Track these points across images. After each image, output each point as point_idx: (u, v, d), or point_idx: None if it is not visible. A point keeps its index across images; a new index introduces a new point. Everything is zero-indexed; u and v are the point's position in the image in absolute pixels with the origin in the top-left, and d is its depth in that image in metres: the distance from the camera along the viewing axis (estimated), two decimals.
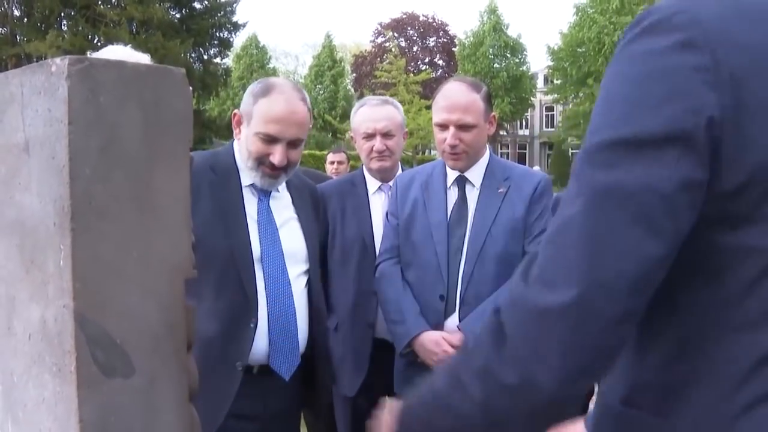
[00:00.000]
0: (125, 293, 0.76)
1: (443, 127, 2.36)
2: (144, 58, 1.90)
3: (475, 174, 2.40)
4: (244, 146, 2.09)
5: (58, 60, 0.73)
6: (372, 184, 2.83)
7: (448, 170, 2.44)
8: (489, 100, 2.42)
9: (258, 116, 2.04)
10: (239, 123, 2.12)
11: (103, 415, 0.75)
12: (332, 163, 5.64)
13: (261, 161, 2.05)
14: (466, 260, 2.30)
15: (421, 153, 28.75)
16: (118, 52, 1.92)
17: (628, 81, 0.87)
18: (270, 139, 2.03)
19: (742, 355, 0.84)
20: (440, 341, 2.25)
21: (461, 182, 2.41)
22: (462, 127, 2.33)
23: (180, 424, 0.83)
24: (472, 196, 2.39)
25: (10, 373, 0.86)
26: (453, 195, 2.41)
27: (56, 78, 0.72)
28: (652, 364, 0.92)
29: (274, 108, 2.03)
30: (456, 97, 2.36)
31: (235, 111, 2.16)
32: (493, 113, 2.44)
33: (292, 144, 2.06)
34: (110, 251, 0.75)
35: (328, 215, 2.76)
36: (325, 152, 13.18)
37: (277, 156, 2.02)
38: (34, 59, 22.59)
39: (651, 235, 0.81)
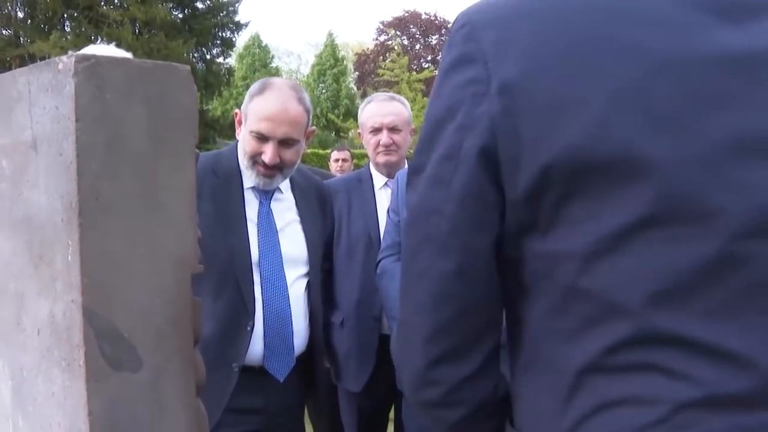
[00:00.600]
0: (132, 288, 0.77)
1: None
2: (126, 56, 1.91)
3: None
4: (241, 145, 2.11)
5: (64, 58, 0.73)
6: (378, 180, 2.84)
7: None
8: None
9: (252, 114, 2.06)
10: (240, 122, 2.13)
11: (112, 408, 0.76)
12: (336, 160, 5.66)
13: (255, 160, 2.06)
14: None
15: None
16: (103, 51, 1.92)
17: (431, 100, 0.92)
18: (261, 137, 2.03)
19: (566, 366, 0.82)
20: None
21: None
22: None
23: (187, 418, 0.84)
24: None
25: (19, 368, 0.87)
26: None
27: (63, 75, 0.73)
28: (511, 376, 0.95)
29: (266, 106, 2.04)
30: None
31: (237, 110, 2.17)
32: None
33: (285, 143, 2.05)
34: (117, 246, 0.76)
35: (334, 211, 2.77)
36: (328, 151, 13.20)
37: (268, 154, 2.03)
38: (38, 60, 22.65)
39: (441, 253, 0.86)
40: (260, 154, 2.04)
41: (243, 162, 2.10)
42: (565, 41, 0.81)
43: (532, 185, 0.81)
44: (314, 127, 2.26)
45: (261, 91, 2.09)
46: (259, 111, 2.05)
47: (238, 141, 2.19)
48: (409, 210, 0.92)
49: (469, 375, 0.91)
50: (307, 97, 2.15)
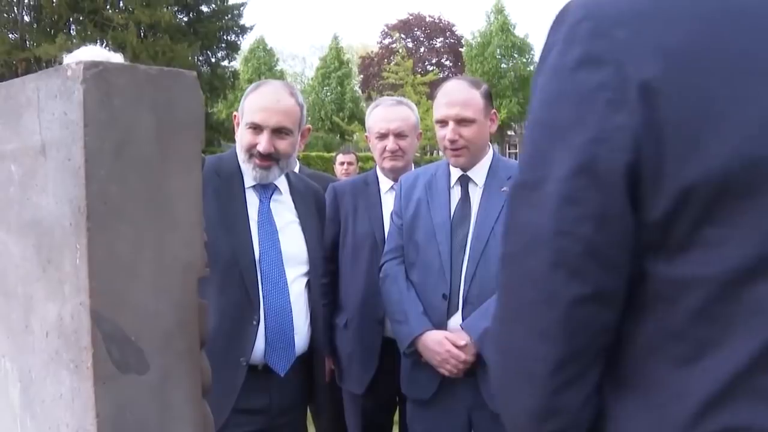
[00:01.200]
0: (140, 291, 0.78)
1: (443, 123, 2.37)
2: (116, 57, 1.94)
3: (479, 173, 2.41)
4: (239, 143, 2.18)
5: (73, 64, 0.75)
6: (384, 183, 2.86)
7: (452, 170, 2.44)
8: (489, 97, 2.43)
9: (247, 109, 2.15)
10: (238, 123, 2.22)
11: (119, 410, 0.77)
12: (342, 164, 5.66)
13: (251, 153, 2.12)
14: (470, 259, 2.30)
15: (429, 153, 28.74)
16: (91, 53, 1.95)
17: (544, 104, 0.82)
18: (256, 127, 2.11)
19: (686, 391, 0.76)
20: (443, 341, 2.25)
21: (464, 181, 2.41)
22: (461, 121, 2.34)
23: (193, 420, 0.85)
24: (476, 195, 2.39)
25: (28, 370, 0.88)
26: (456, 194, 2.42)
27: (72, 82, 0.74)
28: (607, 400, 0.87)
29: (259, 99, 2.15)
30: (454, 93, 2.39)
31: (235, 113, 2.25)
32: (494, 110, 2.45)
33: (279, 133, 2.13)
34: (125, 250, 0.77)
35: (340, 213, 2.79)
36: (333, 154, 13.19)
37: (262, 143, 2.10)
38: (44, 63, 22.79)
39: (574, 277, 0.78)
40: (255, 145, 2.11)
41: (241, 158, 2.17)
42: (712, 41, 0.72)
43: (671, 206, 0.73)
44: (309, 126, 2.34)
45: (255, 88, 2.21)
46: (254, 104, 2.14)
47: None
48: (520, 232, 0.82)
49: (589, 396, 0.85)
50: (299, 94, 2.24)
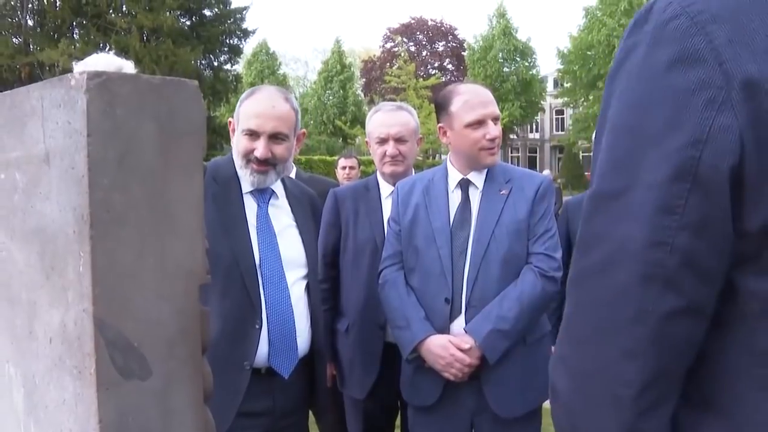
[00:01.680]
0: (142, 298, 0.79)
1: (481, 123, 2.35)
2: (128, 65, 1.96)
3: (478, 176, 2.42)
4: (235, 148, 2.20)
5: (77, 74, 0.76)
6: (385, 188, 2.86)
7: (451, 174, 2.45)
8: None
9: (243, 116, 2.17)
10: (233, 130, 2.24)
11: (122, 416, 0.78)
12: (344, 168, 5.65)
13: (248, 158, 2.14)
14: (471, 263, 2.31)
15: (431, 158, 28.76)
16: (103, 61, 1.97)
17: (628, 108, 0.76)
18: (252, 134, 2.13)
19: None
20: (448, 345, 2.25)
21: (465, 185, 2.42)
22: (496, 119, 2.39)
23: (195, 426, 0.86)
24: (475, 198, 2.40)
25: (32, 375, 0.89)
26: (455, 198, 2.42)
27: (75, 91, 0.75)
28: (683, 424, 0.81)
29: (255, 105, 2.16)
30: (484, 93, 2.42)
31: (230, 119, 2.26)
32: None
33: (275, 138, 2.14)
34: (127, 258, 0.78)
35: (341, 219, 2.80)
36: (335, 157, 13.20)
37: (259, 149, 2.11)
38: (47, 67, 22.87)
39: (667, 291, 0.72)
40: (252, 150, 2.13)
41: (238, 163, 2.18)
42: None
43: None
44: (304, 130, 2.35)
45: (250, 95, 2.22)
46: (249, 111, 2.15)
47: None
48: (601, 245, 0.77)
49: (669, 420, 0.79)
50: (294, 99, 2.26)
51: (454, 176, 2.44)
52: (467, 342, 2.23)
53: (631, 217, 0.74)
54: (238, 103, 2.22)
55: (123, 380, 0.77)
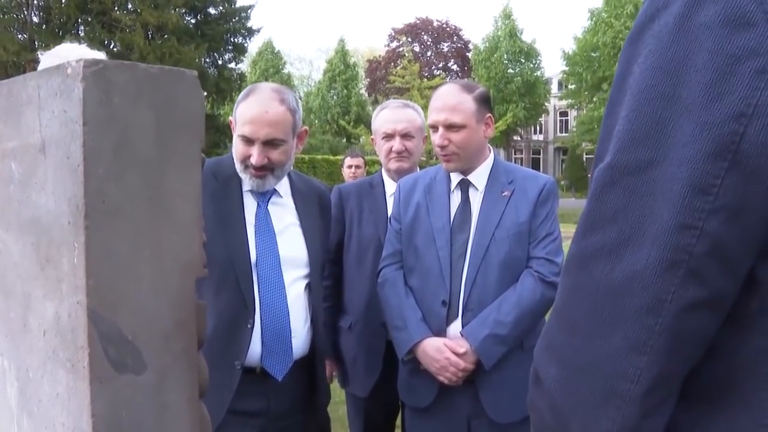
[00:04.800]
0: (137, 290, 0.78)
1: (434, 128, 2.35)
2: (99, 56, 1.92)
3: (479, 177, 2.38)
4: (234, 150, 2.17)
5: (73, 62, 0.74)
6: (390, 185, 2.86)
7: (452, 174, 2.42)
8: (484, 101, 2.38)
9: (238, 119, 2.13)
10: (234, 129, 2.20)
11: (115, 410, 0.77)
12: (350, 167, 5.63)
13: (246, 164, 2.12)
14: (470, 265, 2.28)
15: (435, 158, 28.71)
16: (74, 51, 1.92)
17: (660, 72, 0.67)
18: (247, 140, 2.10)
19: None
20: (442, 348, 2.23)
21: (464, 186, 2.39)
22: (450, 127, 2.31)
23: (190, 421, 0.85)
24: (476, 199, 2.37)
25: (25, 368, 0.88)
26: (456, 199, 2.39)
27: (72, 80, 0.74)
28: (681, 424, 0.75)
29: (248, 110, 2.11)
30: (444, 97, 2.36)
31: (231, 119, 2.23)
32: (489, 114, 2.40)
33: (270, 144, 2.10)
34: (123, 249, 0.76)
35: (345, 216, 2.79)
36: (339, 157, 13.15)
37: (254, 156, 2.09)
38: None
39: (689, 280, 0.65)
40: (249, 156, 2.10)
41: (237, 167, 2.16)
42: None
43: None
44: (306, 128, 2.30)
45: (245, 96, 2.16)
46: (244, 115, 2.11)
47: None
48: (615, 224, 0.68)
49: (668, 416, 0.73)
50: (292, 98, 2.18)
51: (455, 176, 2.41)
52: (462, 346, 2.21)
53: (656, 194, 0.65)
54: (236, 103, 2.18)
55: (117, 374, 0.76)
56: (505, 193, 2.33)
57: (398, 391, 2.50)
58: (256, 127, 2.07)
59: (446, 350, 2.22)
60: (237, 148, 2.13)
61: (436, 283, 2.31)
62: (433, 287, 2.31)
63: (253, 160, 2.08)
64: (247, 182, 2.15)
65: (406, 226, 2.43)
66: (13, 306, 0.91)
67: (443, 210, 2.38)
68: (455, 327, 2.28)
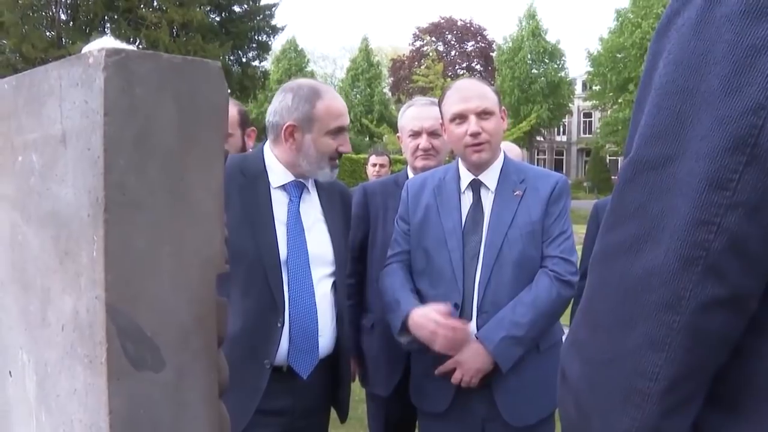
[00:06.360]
0: (157, 286, 0.76)
1: (462, 118, 2.28)
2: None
3: (490, 177, 2.33)
4: (309, 151, 2.14)
5: (95, 52, 0.73)
6: None
7: (462, 174, 2.36)
8: (498, 94, 2.40)
9: (324, 117, 2.14)
10: (292, 134, 2.14)
11: (133, 407, 0.75)
12: (374, 165, 5.58)
13: (331, 156, 2.17)
14: (483, 266, 2.22)
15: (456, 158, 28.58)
16: (110, 45, 1.93)
17: (681, 66, 0.66)
18: (339, 131, 2.18)
19: None
20: (428, 312, 2.15)
21: (476, 186, 2.33)
22: (482, 113, 2.26)
23: (209, 420, 0.83)
24: (488, 200, 2.31)
25: (44, 363, 0.86)
26: (467, 200, 2.33)
27: (93, 70, 0.72)
28: (699, 423, 0.73)
29: (334, 104, 2.18)
30: (470, 87, 2.34)
31: (288, 123, 2.15)
32: (504, 108, 2.38)
33: (345, 131, 2.23)
34: (143, 243, 0.74)
35: (370, 214, 2.77)
36: (362, 156, 13.12)
37: (346, 144, 2.20)
38: None
39: (708, 277, 0.64)
40: (337, 147, 2.18)
41: (318, 164, 2.16)
42: None
43: None
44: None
45: (318, 95, 2.16)
46: (331, 110, 2.16)
47: (263, 145, 2.24)
48: (636, 220, 0.68)
49: (692, 420, 0.72)
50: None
51: (465, 177, 2.35)
52: (447, 310, 2.14)
53: (674, 190, 0.65)
54: (306, 103, 2.14)
55: (134, 371, 0.74)
56: (517, 193, 2.28)
57: (411, 396, 2.44)
58: (345, 117, 2.22)
59: (432, 313, 2.14)
60: (324, 144, 2.14)
61: (448, 285, 2.25)
62: (445, 290, 2.25)
63: (346, 148, 2.20)
64: (324, 177, 2.20)
65: (415, 227, 2.38)
66: (32, 299, 0.89)
67: (454, 211, 2.32)
68: (470, 329, 2.22)
